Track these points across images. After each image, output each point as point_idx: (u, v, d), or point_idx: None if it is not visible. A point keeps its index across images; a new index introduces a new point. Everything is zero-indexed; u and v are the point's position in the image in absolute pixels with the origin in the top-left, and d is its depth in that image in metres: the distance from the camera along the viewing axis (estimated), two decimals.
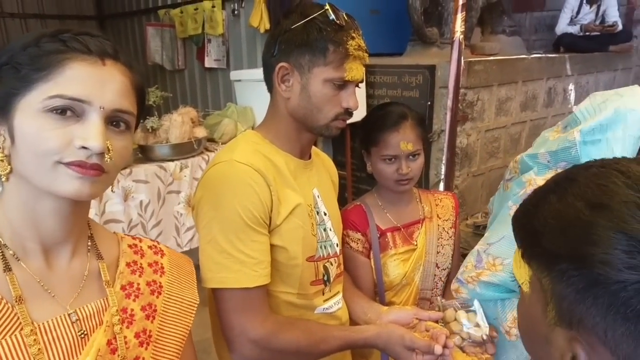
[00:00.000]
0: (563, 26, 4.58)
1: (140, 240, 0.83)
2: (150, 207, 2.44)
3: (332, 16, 0.97)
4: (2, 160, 0.63)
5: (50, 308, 0.67)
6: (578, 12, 4.58)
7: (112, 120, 0.65)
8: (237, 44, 3.71)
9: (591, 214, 0.45)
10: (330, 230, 1.13)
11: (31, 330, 0.63)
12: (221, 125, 2.78)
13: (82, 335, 0.68)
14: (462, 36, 2.23)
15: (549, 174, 1.04)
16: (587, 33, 4.46)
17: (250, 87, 2.89)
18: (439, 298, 1.21)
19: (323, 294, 1.12)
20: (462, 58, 2.26)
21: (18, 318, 0.63)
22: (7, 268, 0.64)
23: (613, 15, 4.50)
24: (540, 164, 1.10)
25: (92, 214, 2.16)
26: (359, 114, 3.28)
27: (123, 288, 0.75)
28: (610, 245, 0.43)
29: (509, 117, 3.08)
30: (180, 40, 4.24)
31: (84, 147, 0.61)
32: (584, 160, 0.89)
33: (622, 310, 0.42)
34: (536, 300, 0.51)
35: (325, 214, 1.12)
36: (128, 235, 0.82)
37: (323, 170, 1.21)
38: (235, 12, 3.59)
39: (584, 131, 1.02)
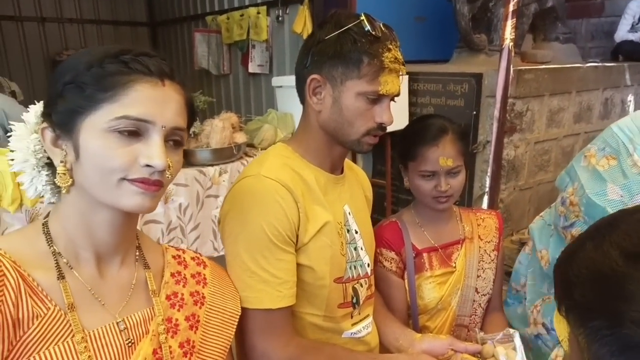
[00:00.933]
0: (623, 33, 4.32)
1: (184, 252, 0.86)
2: (189, 210, 2.47)
3: (368, 27, 0.92)
4: (64, 174, 0.66)
5: (100, 316, 0.70)
6: None
7: (169, 137, 0.68)
8: (280, 50, 3.74)
9: (626, 265, 0.39)
10: (362, 249, 1.08)
11: (82, 337, 0.66)
12: (261, 131, 2.78)
13: (130, 344, 0.71)
14: (511, 43, 2.13)
15: None
16: None
17: (291, 93, 2.85)
18: (477, 330, 1.13)
19: (352, 317, 1.06)
20: (512, 66, 2.16)
21: (70, 325, 0.65)
22: (61, 276, 0.67)
23: None
24: (612, 202, 0.96)
25: None
26: (401, 123, 3.21)
27: (168, 298, 0.77)
28: None
29: (561, 128, 2.93)
30: (226, 45, 4.31)
31: (148, 165, 0.65)
32: None
33: None
34: (574, 358, 0.45)
35: (356, 232, 1.07)
36: (172, 247, 0.86)
37: (356, 185, 1.16)
38: (280, 18, 3.61)
39: None
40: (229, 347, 0.83)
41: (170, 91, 0.68)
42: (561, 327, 0.47)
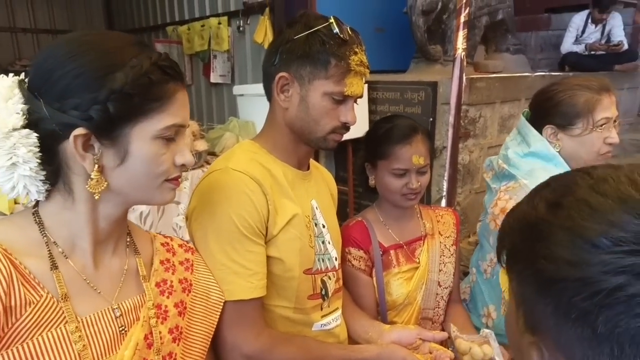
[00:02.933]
0: (568, 45, 4.59)
1: (172, 239, 0.87)
2: (149, 218, 2.44)
3: (336, 30, 0.95)
4: (99, 177, 0.67)
5: (95, 303, 0.71)
6: (583, 32, 4.60)
7: None
8: (242, 59, 3.75)
9: (546, 213, 0.44)
10: (329, 243, 1.10)
11: (76, 327, 0.66)
12: (222, 139, 2.78)
13: (122, 330, 0.72)
14: (464, 53, 2.23)
15: None
16: (593, 52, 4.47)
17: (253, 102, 2.90)
18: (451, 325, 1.15)
19: (321, 309, 1.08)
20: (464, 75, 2.26)
21: (63, 312, 0.66)
22: (54, 266, 0.67)
23: (618, 35, 4.51)
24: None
25: None
26: (361, 130, 3.24)
27: (157, 285, 0.79)
28: (554, 241, 0.42)
29: None
30: (187, 56, 4.29)
31: (183, 164, 0.73)
32: None
33: (568, 312, 0.40)
34: (512, 307, 0.50)
35: (323, 226, 1.10)
36: (160, 234, 0.87)
37: (322, 183, 1.19)
38: (241, 28, 3.64)
39: None
40: (212, 333, 0.85)
41: (186, 93, 0.74)
42: (503, 278, 0.51)
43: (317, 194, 1.11)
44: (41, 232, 0.69)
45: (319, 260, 1.06)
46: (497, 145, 2.96)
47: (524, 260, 0.45)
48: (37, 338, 0.63)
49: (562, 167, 1.26)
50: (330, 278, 1.10)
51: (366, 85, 3.05)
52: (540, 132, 1.30)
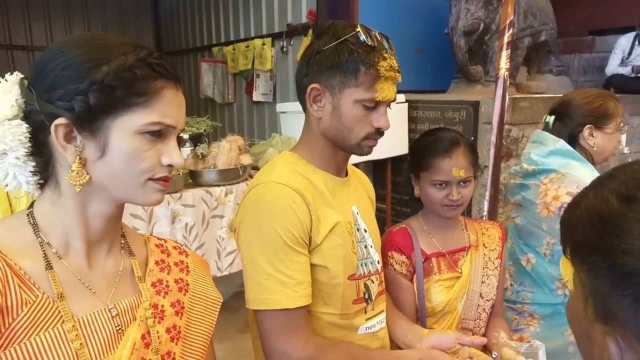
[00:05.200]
0: (614, 67, 4.51)
1: (165, 241, 0.86)
2: (194, 230, 2.51)
3: (363, 37, 0.96)
4: (80, 169, 0.66)
5: (91, 303, 0.70)
6: (630, 54, 4.50)
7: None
8: (284, 78, 3.86)
9: (620, 206, 0.45)
10: (371, 247, 1.13)
11: (73, 326, 0.66)
12: (266, 154, 2.87)
13: (119, 330, 0.71)
14: (507, 73, 2.24)
15: None
16: (639, 74, 4.36)
17: (295, 119, 2.98)
18: (501, 331, 1.15)
19: (365, 312, 1.10)
20: (507, 94, 2.26)
21: (59, 312, 0.66)
22: (49, 266, 0.67)
23: None
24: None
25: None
26: (401, 149, 3.27)
27: (153, 285, 0.78)
28: (633, 235, 0.43)
29: None
30: (231, 75, 4.45)
31: (169, 165, 0.70)
32: None
33: None
34: (578, 297, 0.51)
35: (365, 231, 1.12)
36: (154, 236, 0.87)
37: (360, 187, 1.21)
38: (284, 49, 3.76)
39: None
40: (212, 332, 0.84)
41: (181, 95, 0.72)
42: (566, 269, 0.53)
43: (357, 199, 1.14)
44: (35, 232, 0.69)
45: (361, 265, 1.08)
46: None
47: (599, 254, 0.46)
48: (34, 338, 0.62)
49: (581, 161, 1.49)
50: (373, 282, 1.12)
51: (406, 104, 3.09)
52: (569, 134, 1.53)
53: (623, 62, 4.52)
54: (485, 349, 1.17)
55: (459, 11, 3.21)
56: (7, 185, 0.68)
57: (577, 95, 1.58)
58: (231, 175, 2.61)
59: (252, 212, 0.98)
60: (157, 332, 0.75)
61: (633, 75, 4.39)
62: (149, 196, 0.70)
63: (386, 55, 0.99)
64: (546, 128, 1.61)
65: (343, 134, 1.02)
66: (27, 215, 0.70)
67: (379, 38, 1.00)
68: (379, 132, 1.03)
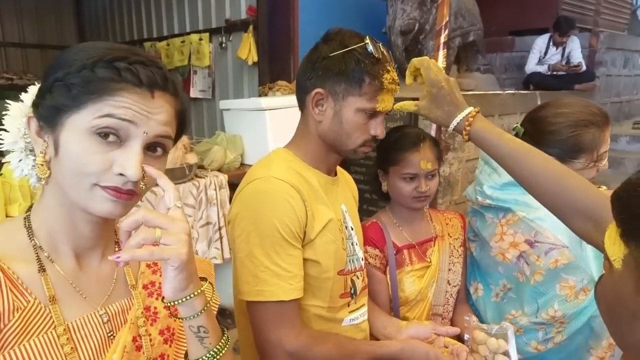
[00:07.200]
0: (532, 66, 4.91)
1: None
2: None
3: (371, 49, 0.99)
4: (42, 165, 0.66)
5: (82, 308, 0.69)
6: (546, 53, 4.92)
7: (151, 145, 0.66)
8: (223, 75, 3.80)
9: None
10: (357, 244, 1.17)
11: (64, 329, 0.65)
12: (211, 152, 2.80)
13: (111, 336, 0.71)
14: None
15: None
16: (555, 72, 4.78)
17: (239, 116, 2.94)
18: (469, 316, 1.21)
19: (348, 306, 1.14)
20: None
21: (51, 317, 0.65)
22: (42, 269, 0.67)
23: (577, 57, 4.86)
24: None
25: None
26: None
27: (145, 287, 0.78)
28: None
29: None
30: None
31: (121, 174, 0.63)
32: None
33: None
34: (628, 277, 0.52)
35: (352, 229, 1.16)
36: None
37: (346, 186, 1.25)
38: (223, 45, 3.69)
39: None
40: None
41: (159, 102, 0.66)
42: (616, 249, 0.54)
43: (344, 198, 1.17)
44: (29, 236, 0.68)
45: (350, 261, 1.12)
46: (474, 159, 3.11)
47: None
48: (24, 344, 0.61)
49: None
50: (358, 277, 1.16)
51: None
52: None
53: (540, 61, 4.93)
54: (458, 338, 1.24)
55: (395, 11, 3.33)
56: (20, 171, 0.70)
57: (551, 116, 1.25)
58: (177, 175, 2.52)
59: (250, 205, 0.99)
60: (150, 334, 0.74)
61: (549, 73, 4.81)
62: (96, 204, 0.64)
63: (389, 68, 1.02)
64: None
65: (342, 139, 1.05)
66: (24, 218, 0.70)
67: (384, 51, 1.02)
68: (375, 140, 1.07)
